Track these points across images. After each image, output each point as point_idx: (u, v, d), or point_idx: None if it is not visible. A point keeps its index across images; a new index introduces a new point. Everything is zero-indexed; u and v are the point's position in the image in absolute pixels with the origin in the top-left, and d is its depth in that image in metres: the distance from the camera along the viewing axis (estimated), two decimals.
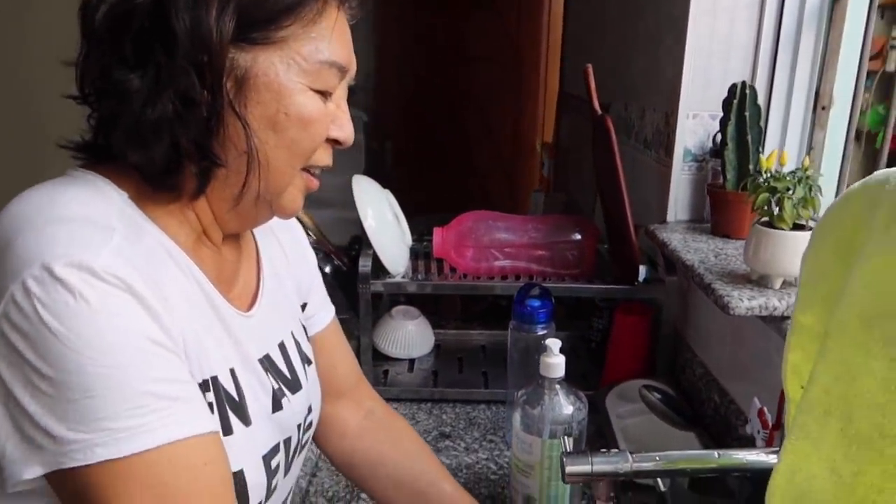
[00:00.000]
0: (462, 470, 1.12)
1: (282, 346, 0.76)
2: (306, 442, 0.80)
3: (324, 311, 0.92)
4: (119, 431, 0.52)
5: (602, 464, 0.70)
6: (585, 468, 0.71)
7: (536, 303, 1.14)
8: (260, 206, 0.67)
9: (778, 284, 0.93)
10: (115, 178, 0.62)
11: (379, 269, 1.33)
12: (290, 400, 0.74)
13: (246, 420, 0.65)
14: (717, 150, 1.30)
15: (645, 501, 0.92)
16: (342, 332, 0.95)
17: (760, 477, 0.92)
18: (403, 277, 1.34)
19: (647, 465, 0.70)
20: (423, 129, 3.52)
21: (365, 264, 1.29)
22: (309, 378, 0.80)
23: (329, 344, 0.91)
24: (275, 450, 0.70)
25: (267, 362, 0.72)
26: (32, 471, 0.52)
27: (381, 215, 1.33)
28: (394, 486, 0.89)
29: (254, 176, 0.63)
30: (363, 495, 1.05)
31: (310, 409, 0.79)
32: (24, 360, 0.51)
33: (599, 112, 1.33)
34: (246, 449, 0.65)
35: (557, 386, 0.96)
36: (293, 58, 0.62)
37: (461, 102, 3.59)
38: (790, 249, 0.90)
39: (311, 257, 0.91)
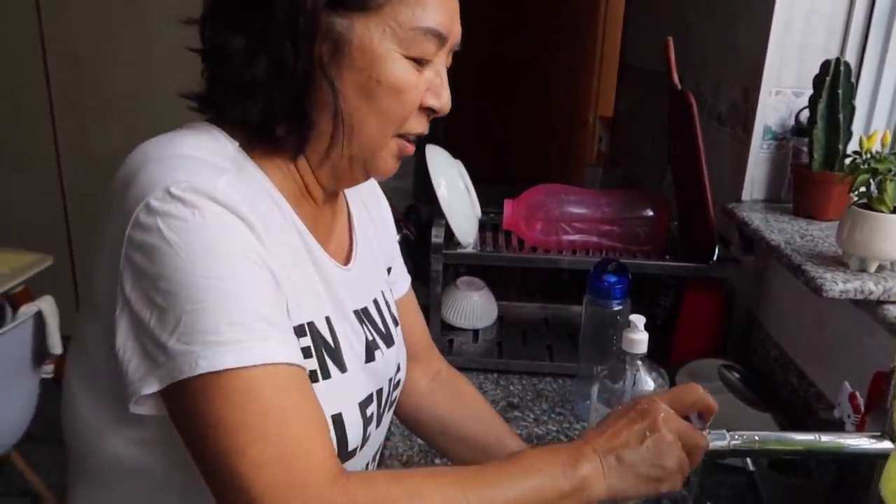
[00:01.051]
0: (532, 440, 1.13)
1: (376, 302, 0.79)
2: (395, 399, 0.83)
3: (402, 280, 0.95)
4: (221, 345, 0.54)
5: None
6: None
7: (613, 278, 1.14)
8: (354, 167, 0.68)
9: (873, 268, 0.91)
10: (227, 129, 0.65)
11: (448, 240, 1.33)
12: (383, 353, 0.77)
13: (342, 366, 0.68)
14: (801, 129, 1.27)
15: (733, 481, 0.92)
16: (416, 299, 0.97)
17: (846, 460, 0.92)
18: (473, 248, 1.34)
19: (745, 444, 0.70)
20: (476, 98, 3.48)
21: (437, 234, 1.29)
22: (397, 337, 0.82)
23: (406, 309, 0.94)
24: (369, 399, 0.72)
25: (363, 314, 0.75)
26: (150, 386, 0.55)
27: (453, 185, 1.33)
28: (460, 442, 0.91)
29: (344, 139, 0.65)
30: (437, 459, 1.07)
31: (398, 367, 0.82)
32: (146, 275, 0.55)
33: (679, 87, 1.30)
34: (344, 393, 0.68)
35: (639, 362, 0.95)
36: (389, 24, 0.62)
37: (516, 72, 3.55)
38: (889, 233, 0.88)
39: (392, 224, 0.93)
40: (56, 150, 3.15)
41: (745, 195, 1.36)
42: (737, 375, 1.07)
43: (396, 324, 0.84)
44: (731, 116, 1.46)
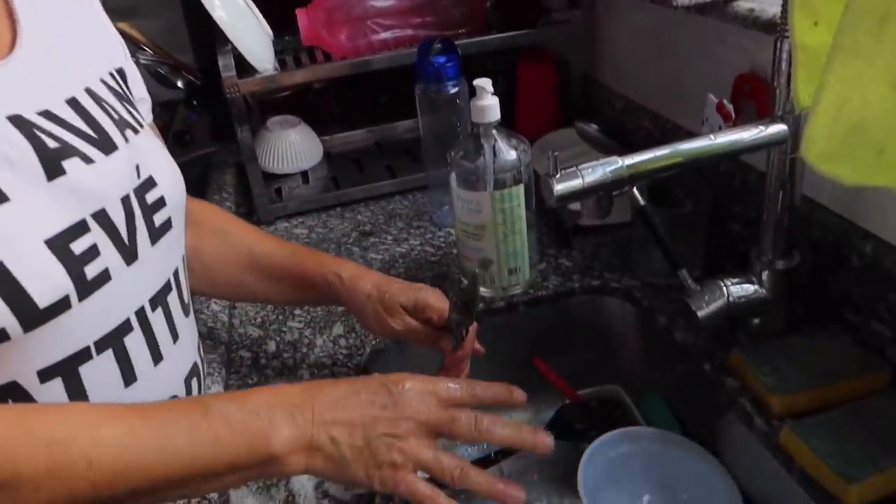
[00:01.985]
0: (398, 260, 1.01)
1: (73, 102, 0.58)
2: (163, 226, 0.63)
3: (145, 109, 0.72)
4: None
5: (593, 174, 0.60)
6: (576, 183, 0.60)
7: (442, 58, 0.99)
8: None
9: None
10: None
11: (242, 70, 1.11)
12: (90, 161, 0.56)
13: None
14: None
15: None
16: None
17: (720, 179, 0.88)
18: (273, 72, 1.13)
19: (640, 165, 0.61)
20: None
21: (226, 65, 1.07)
22: (135, 143, 0.62)
23: None
24: (75, 230, 0.53)
25: (42, 118, 0.55)
26: None
27: (232, 4, 1.09)
28: (229, 272, 0.80)
29: None
30: (295, 311, 0.92)
31: (151, 182, 0.62)
32: None
33: None
34: (3, 236, 0.48)
35: (495, 131, 0.83)
36: None
37: None
38: None
39: (114, 32, 0.70)
40: None
41: None
42: (595, 127, 0.99)
43: (133, 130, 0.63)
44: None
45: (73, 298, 0.51)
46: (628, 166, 0.60)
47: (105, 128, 0.59)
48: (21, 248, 0.49)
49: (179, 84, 1.24)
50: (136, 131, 0.63)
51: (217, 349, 0.85)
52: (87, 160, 0.55)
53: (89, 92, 0.60)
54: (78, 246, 0.52)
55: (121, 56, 0.70)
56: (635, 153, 0.61)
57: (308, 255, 0.80)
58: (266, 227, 1.16)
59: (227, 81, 1.07)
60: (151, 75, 1.20)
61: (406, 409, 0.54)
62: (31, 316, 0.49)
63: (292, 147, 1.30)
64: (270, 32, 1.20)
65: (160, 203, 0.63)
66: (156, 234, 0.62)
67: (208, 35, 1.11)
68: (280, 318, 0.92)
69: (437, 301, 0.72)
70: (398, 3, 1.18)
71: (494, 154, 0.83)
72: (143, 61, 1.18)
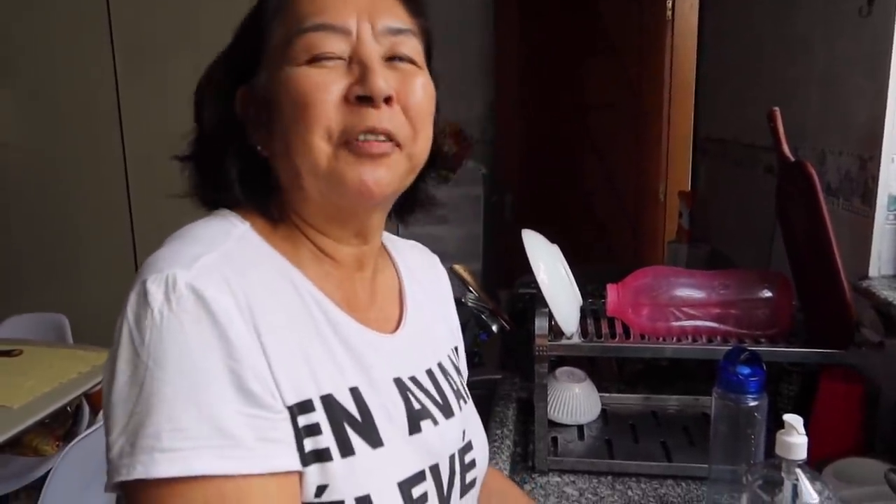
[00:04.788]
0: None
1: (430, 373, 0.74)
2: (471, 483, 0.74)
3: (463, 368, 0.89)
4: (159, 451, 0.51)
5: None
6: None
7: (747, 370, 1.02)
8: (325, 190, 0.64)
9: None
10: (241, 212, 0.67)
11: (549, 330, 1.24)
12: (437, 424, 0.69)
13: (373, 441, 0.61)
14: None
15: None
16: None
17: None
18: (577, 339, 1.25)
19: None
20: (543, 180, 3.45)
21: (541, 326, 1.21)
22: (464, 412, 0.76)
23: None
24: (417, 477, 0.64)
25: (412, 382, 0.70)
26: (111, 479, 0.54)
27: (553, 270, 1.25)
28: None
29: (288, 163, 0.64)
30: None
31: (469, 445, 0.75)
32: (117, 367, 0.55)
33: (793, 159, 1.22)
34: (374, 472, 0.60)
35: (798, 469, 0.84)
36: (280, 56, 0.64)
37: (581, 151, 3.51)
38: None
39: (453, 303, 0.89)
40: (134, 250, 3.22)
41: (873, 271, 1.25)
42: None
43: (465, 400, 0.78)
44: (845, 186, 1.37)
45: None
46: None
47: (448, 396, 0.74)
48: (384, 487, 0.61)
49: (494, 329, 1.42)
50: (465, 401, 0.78)
51: None
52: (435, 422, 0.70)
53: (440, 366, 0.77)
54: (416, 491, 0.64)
55: (458, 336, 0.88)
56: None
57: None
58: (539, 477, 1.22)
59: (539, 343, 1.21)
60: (474, 316, 1.39)
61: None
62: None
63: (575, 400, 1.38)
64: (580, 299, 1.34)
65: (473, 464, 0.75)
66: (465, 489, 0.74)
67: (501, 254, 1.27)
68: None
69: None
70: (706, 297, 1.25)
71: (795, 493, 0.82)
72: (470, 304, 1.37)
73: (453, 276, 1.46)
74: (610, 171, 3.46)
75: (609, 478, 1.22)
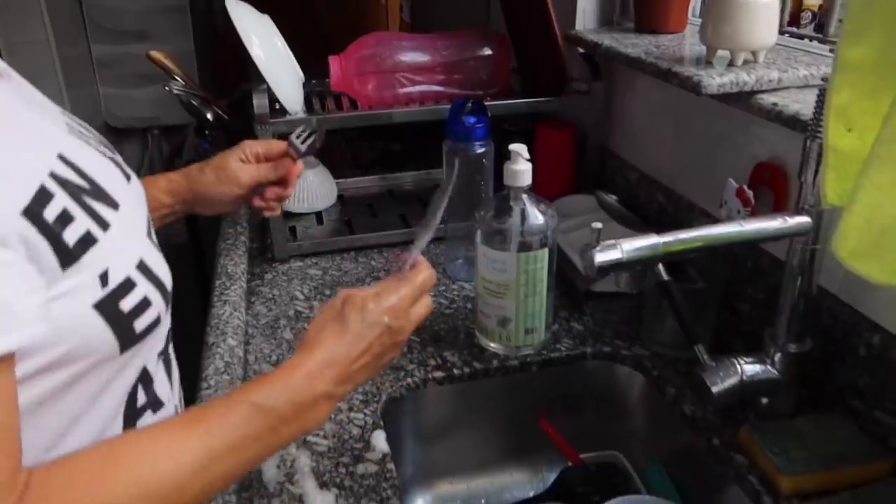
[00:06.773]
0: None
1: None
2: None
3: None
4: None
5: (633, 251, 0.63)
6: (615, 256, 0.63)
7: (472, 119, 1.03)
8: None
9: (741, 61, 0.88)
10: None
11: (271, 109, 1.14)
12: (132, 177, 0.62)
13: (112, 201, 0.53)
14: None
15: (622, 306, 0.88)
16: None
17: (738, 257, 0.91)
18: (302, 115, 1.17)
19: (679, 245, 0.64)
20: None
21: (260, 104, 1.10)
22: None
23: None
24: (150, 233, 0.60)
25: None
26: None
27: (269, 43, 1.12)
28: None
29: None
30: None
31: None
32: None
33: None
34: (124, 243, 0.53)
35: (525, 195, 0.87)
36: None
37: None
38: (756, 20, 0.85)
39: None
40: None
41: (579, 24, 1.30)
42: (614, 198, 1.03)
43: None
44: None
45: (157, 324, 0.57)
46: (664, 244, 0.64)
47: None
48: (134, 258, 0.55)
49: (209, 116, 1.27)
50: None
51: (232, 384, 0.85)
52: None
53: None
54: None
55: None
56: (669, 233, 0.65)
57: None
58: (280, 265, 1.17)
59: (260, 119, 1.10)
60: (183, 104, 1.23)
61: (399, 334, 0.61)
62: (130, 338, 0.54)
63: (310, 187, 1.32)
64: (302, 76, 1.24)
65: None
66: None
67: (219, 67, 1.14)
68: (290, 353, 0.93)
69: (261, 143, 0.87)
70: (429, 61, 1.22)
71: (523, 217, 0.86)
72: (175, 91, 1.20)
73: (151, 62, 1.26)
74: None
75: (352, 253, 1.21)
